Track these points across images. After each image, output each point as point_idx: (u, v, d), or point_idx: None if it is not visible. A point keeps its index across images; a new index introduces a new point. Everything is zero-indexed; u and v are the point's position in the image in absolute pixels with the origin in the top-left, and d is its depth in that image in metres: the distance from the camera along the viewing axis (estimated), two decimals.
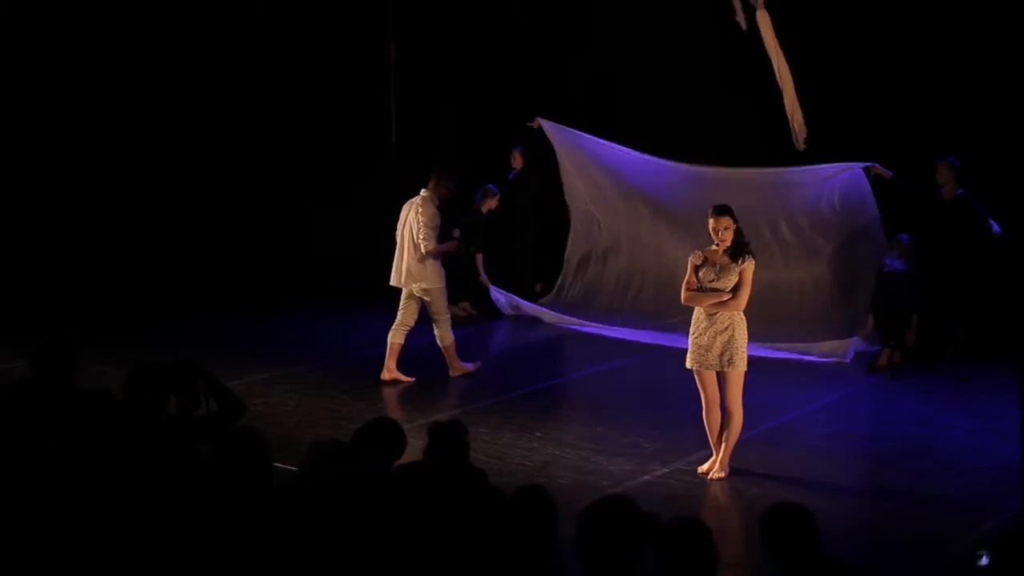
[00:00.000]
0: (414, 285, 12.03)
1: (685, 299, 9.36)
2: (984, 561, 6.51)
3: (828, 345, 13.00)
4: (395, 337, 12.18)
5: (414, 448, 6.63)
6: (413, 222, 11.95)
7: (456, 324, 12.61)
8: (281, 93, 17.29)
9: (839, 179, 13.36)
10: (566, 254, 15.48)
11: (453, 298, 15.18)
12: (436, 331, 12.16)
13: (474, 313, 15.07)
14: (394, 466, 6.35)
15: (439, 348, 12.24)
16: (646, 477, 9.43)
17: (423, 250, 11.87)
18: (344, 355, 13.32)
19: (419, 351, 12.77)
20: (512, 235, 15.62)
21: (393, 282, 12.22)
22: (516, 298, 15.01)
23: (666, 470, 9.61)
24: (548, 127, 14.85)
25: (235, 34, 17.13)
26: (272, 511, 5.54)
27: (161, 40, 16.56)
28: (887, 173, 12.95)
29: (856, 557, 7.78)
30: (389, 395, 11.68)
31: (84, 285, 15.40)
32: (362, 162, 17.21)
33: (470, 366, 12.37)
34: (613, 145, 14.58)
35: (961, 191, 12.82)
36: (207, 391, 6.95)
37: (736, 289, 9.17)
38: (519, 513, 5.25)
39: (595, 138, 14.71)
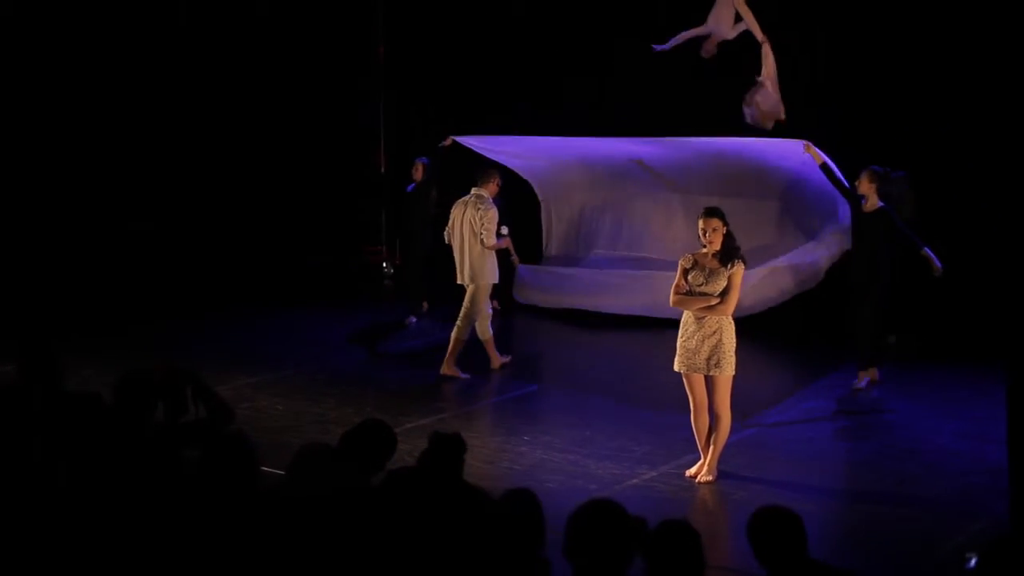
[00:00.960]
0: (471, 278, 12.40)
1: (674, 302, 9.37)
2: (971, 564, 6.52)
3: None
4: (483, 334, 12.54)
5: (401, 451, 6.63)
6: (474, 219, 12.24)
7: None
8: (269, 98, 17.30)
9: (792, 153, 13.24)
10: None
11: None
12: (457, 323, 12.46)
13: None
14: (386, 470, 6.35)
15: (426, 349, 12.29)
16: (634, 481, 9.45)
17: (485, 244, 12.23)
18: (331, 359, 13.31)
19: (413, 354, 12.79)
20: (405, 249, 15.11)
21: (460, 280, 12.54)
22: (540, 268, 15.24)
23: (654, 473, 9.63)
24: (472, 142, 14.59)
25: (224, 36, 17.11)
26: (260, 515, 5.53)
27: (152, 40, 16.54)
28: (821, 156, 12.55)
29: (843, 560, 7.80)
30: (376, 398, 11.67)
31: (71, 289, 15.38)
32: (349, 164, 17.21)
33: (464, 375, 12.50)
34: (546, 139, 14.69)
35: (882, 204, 12.00)
36: (195, 396, 6.94)
37: (725, 293, 9.19)
38: (507, 516, 5.26)
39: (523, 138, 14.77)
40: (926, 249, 11.83)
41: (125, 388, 6.83)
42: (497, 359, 12.68)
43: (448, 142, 14.36)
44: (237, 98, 17.28)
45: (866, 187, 12.02)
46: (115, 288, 15.79)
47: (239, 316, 15.34)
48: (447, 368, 12.39)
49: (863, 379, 12.02)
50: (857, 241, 12.21)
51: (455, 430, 6.35)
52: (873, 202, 12.01)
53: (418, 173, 14.78)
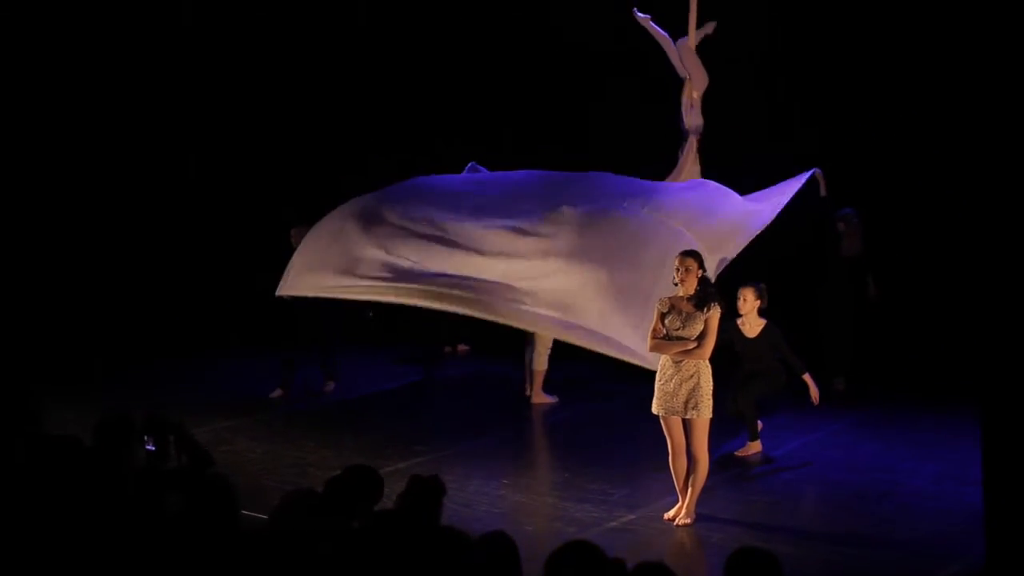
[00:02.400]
0: None
1: (651, 347, 9.40)
2: None
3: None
4: (539, 365, 13.04)
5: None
6: None
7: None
8: (241, 140, 17.27)
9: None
10: None
11: (451, 339, 15.31)
12: (535, 355, 13.00)
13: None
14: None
15: (419, 393, 12.41)
16: (612, 523, 9.45)
17: None
18: (310, 401, 13.31)
19: (392, 396, 12.76)
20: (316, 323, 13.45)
21: None
22: None
23: (632, 516, 9.64)
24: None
25: (187, 71, 17.11)
26: (242, 559, 5.54)
27: (117, 86, 16.53)
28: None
29: None
30: (354, 441, 11.67)
31: (49, 331, 15.33)
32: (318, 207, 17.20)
33: (551, 399, 13.17)
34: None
35: (766, 321, 11.29)
36: (178, 445, 6.96)
37: (701, 337, 9.23)
38: (483, 560, 5.26)
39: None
40: (807, 374, 11.21)
41: (106, 431, 6.86)
42: (540, 394, 13.13)
43: None
44: (214, 142, 17.26)
45: (750, 306, 11.22)
46: (93, 330, 15.73)
47: (217, 358, 15.34)
48: (536, 398, 13.13)
49: (751, 450, 11.40)
50: (741, 364, 11.40)
51: (433, 473, 6.38)
52: (756, 324, 11.30)
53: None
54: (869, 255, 13.58)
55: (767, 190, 12.10)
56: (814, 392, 11.20)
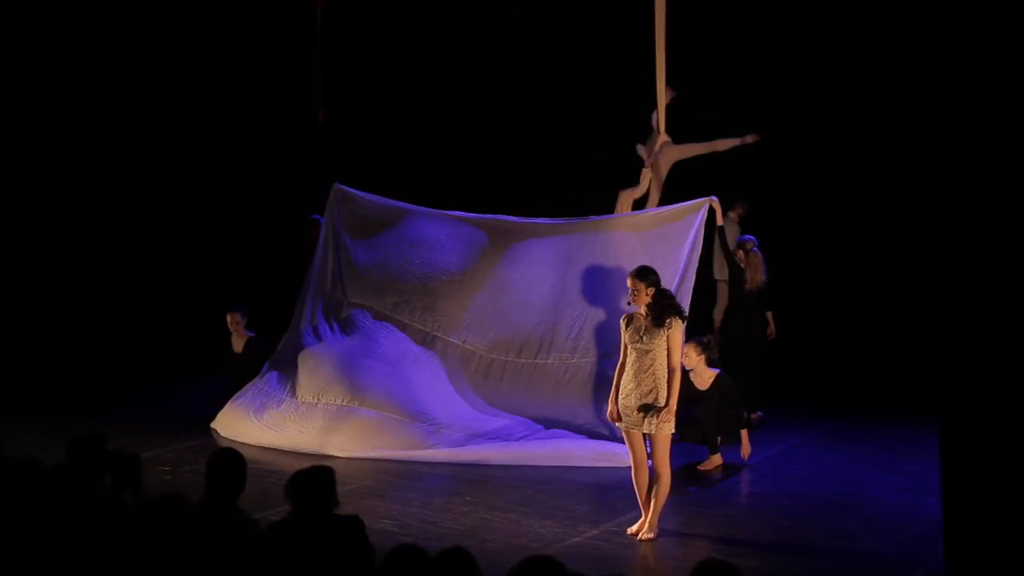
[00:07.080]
0: None
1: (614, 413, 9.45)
2: None
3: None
4: None
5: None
6: None
7: None
8: (207, 158, 17.26)
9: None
10: None
11: None
12: None
13: None
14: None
15: None
16: (576, 539, 9.45)
17: None
18: None
19: None
20: None
21: None
22: None
23: (596, 532, 9.64)
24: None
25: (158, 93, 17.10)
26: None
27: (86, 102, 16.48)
28: None
29: None
30: (319, 455, 11.61)
31: (14, 353, 15.22)
32: (289, 226, 17.21)
33: None
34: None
35: (717, 374, 11.45)
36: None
37: (668, 356, 9.25)
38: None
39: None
40: (744, 431, 11.46)
41: (77, 450, 6.89)
42: None
43: None
44: (178, 156, 17.22)
45: (694, 361, 11.34)
46: (61, 350, 15.65)
47: (184, 379, 15.26)
48: None
49: (713, 463, 11.50)
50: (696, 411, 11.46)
51: (316, 465, 6.65)
52: (707, 376, 11.47)
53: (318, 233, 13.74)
54: (772, 289, 13.08)
55: (655, 212, 12.33)
56: (745, 450, 11.46)
